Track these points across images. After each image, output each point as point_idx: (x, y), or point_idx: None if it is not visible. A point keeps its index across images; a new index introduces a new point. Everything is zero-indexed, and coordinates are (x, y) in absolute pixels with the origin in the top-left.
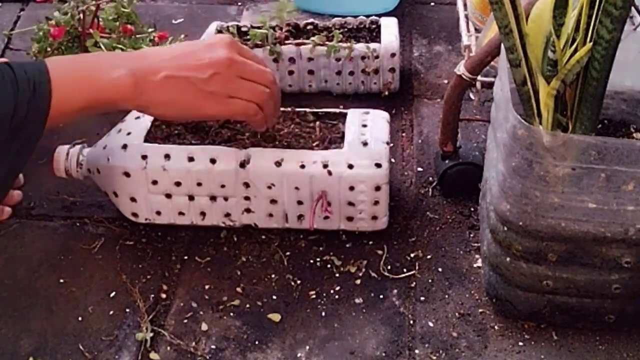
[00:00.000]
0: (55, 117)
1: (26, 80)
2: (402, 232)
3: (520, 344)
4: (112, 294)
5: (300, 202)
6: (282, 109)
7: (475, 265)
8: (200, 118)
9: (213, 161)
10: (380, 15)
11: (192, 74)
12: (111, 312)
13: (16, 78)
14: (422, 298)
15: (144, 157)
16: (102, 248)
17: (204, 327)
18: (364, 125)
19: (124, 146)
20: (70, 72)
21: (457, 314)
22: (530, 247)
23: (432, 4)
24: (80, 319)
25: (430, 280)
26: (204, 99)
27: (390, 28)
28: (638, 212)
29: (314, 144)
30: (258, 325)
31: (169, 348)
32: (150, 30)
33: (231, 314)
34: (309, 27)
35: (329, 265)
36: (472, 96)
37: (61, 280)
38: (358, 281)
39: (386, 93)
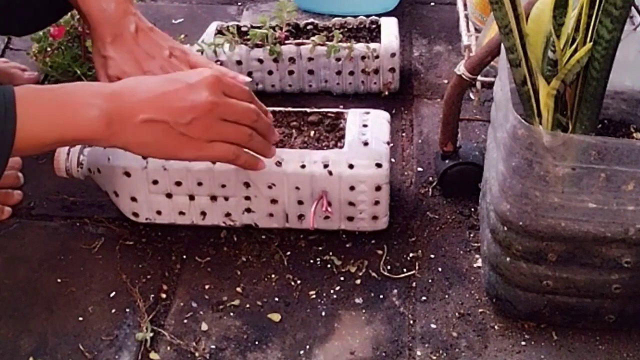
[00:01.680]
0: (20, 151)
1: None
2: (402, 232)
3: (521, 344)
4: (112, 294)
5: (300, 202)
6: (281, 108)
7: (475, 265)
8: (180, 160)
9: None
10: (380, 15)
11: (172, 118)
12: (111, 312)
13: None
14: (422, 298)
15: (145, 156)
16: (102, 248)
17: (204, 327)
18: (365, 125)
19: None
20: (39, 106)
21: (457, 314)
22: (530, 247)
23: (432, 4)
24: (80, 319)
25: (430, 280)
26: (182, 143)
27: (390, 28)
28: (638, 212)
29: (314, 144)
30: (258, 325)
31: (169, 348)
32: None
33: (231, 314)
34: (309, 27)
35: (329, 265)
36: (472, 96)
37: (61, 280)
38: (358, 281)
39: (386, 93)
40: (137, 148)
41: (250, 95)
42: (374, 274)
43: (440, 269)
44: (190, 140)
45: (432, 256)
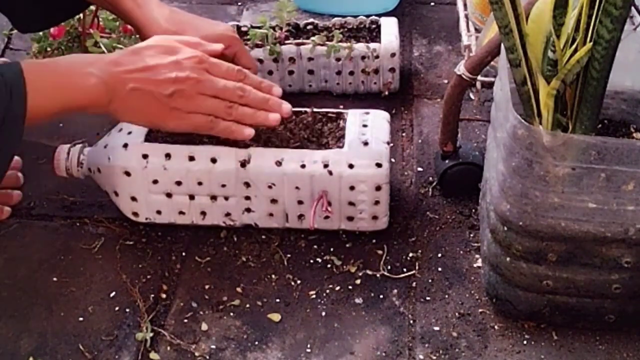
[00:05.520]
0: (30, 121)
1: (3, 84)
2: (402, 232)
3: (521, 343)
4: (112, 294)
5: (300, 202)
6: None
7: (475, 265)
8: (163, 129)
9: (214, 160)
10: (380, 15)
11: (156, 89)
12: (111, 312)
13: None
14: (422, 298)
15: (145, 156)
16: (102, 248)
17: (204, 327)
18: (365, 125)
19: (125, 145)
20: (46, 76)
21: (457, 314)
22: (530, 247)
23: (432, 4)
24: (80, 319)
25: (430, 280)
26: (165, 113)
27: (390, 28)
28: (638, 212)
29: (314, 144)
30: (258, 325)
31: (169, 348)
32: None
33: (231, 314)
34: (309, 27)
35: (329, 265)
36: (472, 96)
37: (61, 280)
38: (358, 281)
39: (386, 93)
40: (129, 115)
41: (238, 74)
42: (374, 274)
43: (440, 269)
44: (172, 111)
45: (432, 256)
